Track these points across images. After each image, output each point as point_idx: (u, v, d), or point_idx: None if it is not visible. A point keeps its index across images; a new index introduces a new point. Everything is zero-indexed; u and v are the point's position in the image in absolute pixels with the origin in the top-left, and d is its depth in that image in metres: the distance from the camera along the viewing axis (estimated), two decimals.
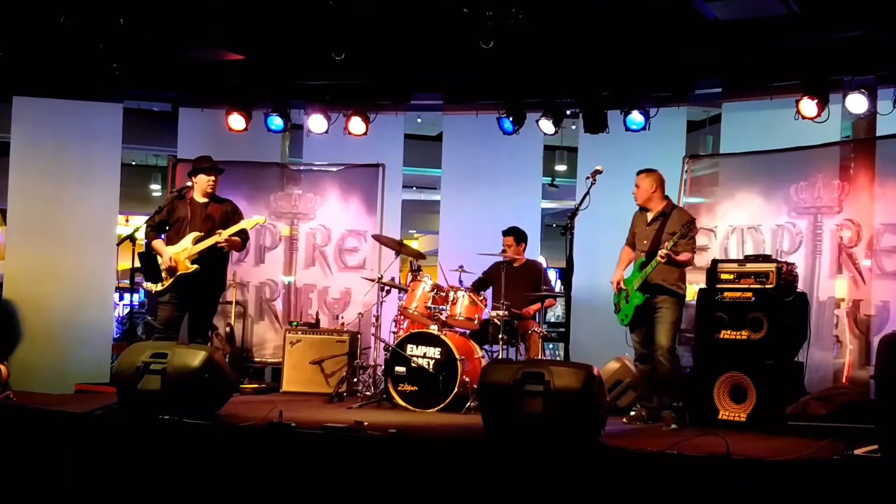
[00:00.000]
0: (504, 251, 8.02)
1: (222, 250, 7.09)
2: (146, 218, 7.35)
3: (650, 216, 6.84)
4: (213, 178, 7.19)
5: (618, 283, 6.83)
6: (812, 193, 7.73)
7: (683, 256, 6.62)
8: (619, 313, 6.85)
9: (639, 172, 6.88)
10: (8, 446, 5.71)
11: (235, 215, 7.24)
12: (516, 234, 8.23)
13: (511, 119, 8.73)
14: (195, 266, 6.90)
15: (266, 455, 5.24)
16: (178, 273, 6.95)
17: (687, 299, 8.04)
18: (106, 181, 9.28)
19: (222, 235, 6.95)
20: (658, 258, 6.46)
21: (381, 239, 8.43)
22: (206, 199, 7.21)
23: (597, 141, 8.65)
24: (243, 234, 7.16)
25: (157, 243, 7.11)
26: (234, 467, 5.26)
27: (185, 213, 7.10)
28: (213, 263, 7.07)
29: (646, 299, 6.63)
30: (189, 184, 7.27)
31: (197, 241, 6.95)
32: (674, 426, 6.32)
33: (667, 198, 6.90)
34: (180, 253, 6.95)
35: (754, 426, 6.25)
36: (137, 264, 7.59)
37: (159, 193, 15.01)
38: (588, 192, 6.45)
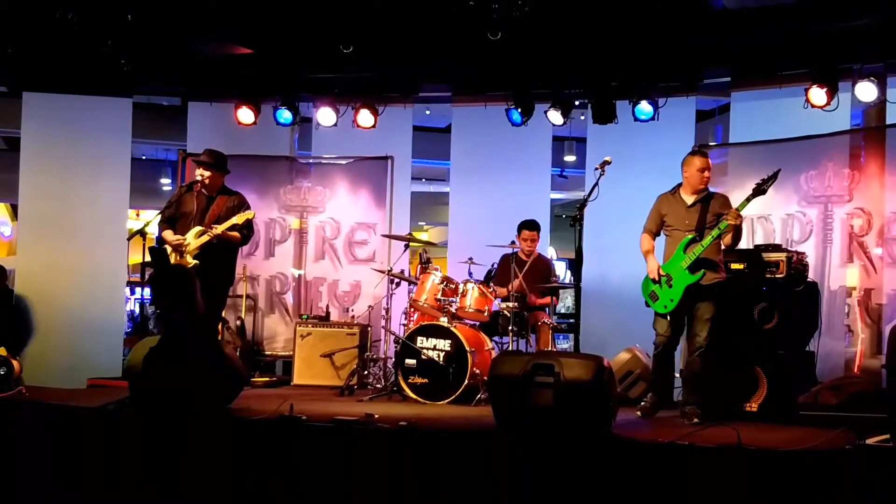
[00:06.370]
0: (513, 242, 7.97)
1: (229, 244, 7.03)
2: (157, 212, 7.34)
3: (691, 199, 6.43)
4: (199, 169, 7.11)
5: (658, 272, 6.39)
6: (822, 182, 7.70)
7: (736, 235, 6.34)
8: (657, 302, 6.38)
9: (697, 155, 6.48)
10: (21, 441, 5.75)
11: (239, 209, 7.04)
12: (540, 229, 8.19)
13: (519, 110, 8.72)
14: (195, 261, 6.87)
15: (277, 448, 5.26)
16: None
17: None
18: (116, 175, 9.31)
19: (216, 230, 6.89)
20: (729, 221, 6.06)
21: (391, 237, 8.49)
22: (213, 193, 7.14)
23: (605, 131, 8.63)
24: (240, 228, 7.01)
25: (168, 234, 7.09)
26: (245, 461, 5.28)
27: (192, 207, 7.06)
28: (219, 257, 7.01)
29: (700, 277, 6.23)
30: (198, 178, 7.24)
31: (199, 235, 6.93)
32: (696, 420, 6.06)
33: None
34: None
35: (765, 416, 6.25)
36: (148, 258, 7.58)
37: (169, 187, 15.05)
38: (597, 183, 6.39)
